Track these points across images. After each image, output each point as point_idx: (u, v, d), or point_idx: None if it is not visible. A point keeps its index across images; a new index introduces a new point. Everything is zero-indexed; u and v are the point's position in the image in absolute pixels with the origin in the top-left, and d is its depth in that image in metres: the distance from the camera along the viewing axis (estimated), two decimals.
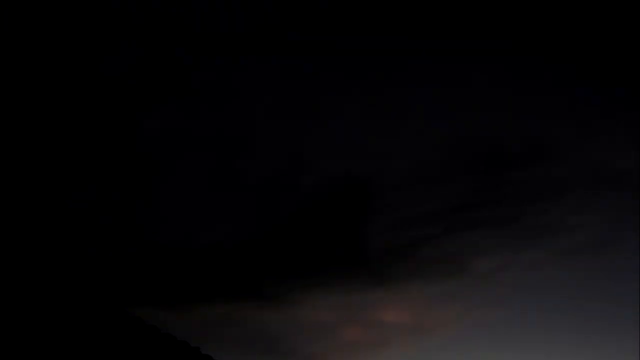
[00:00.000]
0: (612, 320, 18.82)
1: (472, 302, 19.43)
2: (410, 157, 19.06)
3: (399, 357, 18.98)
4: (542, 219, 18.95)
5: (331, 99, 18.63)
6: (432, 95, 18.90)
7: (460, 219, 18.95)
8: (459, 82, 18.73)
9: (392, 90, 18.80)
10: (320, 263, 18.60)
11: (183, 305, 17.30)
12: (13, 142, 15.40)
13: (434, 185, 18.98)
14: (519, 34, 18.03)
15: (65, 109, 16.37)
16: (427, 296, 19.37)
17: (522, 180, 19.00)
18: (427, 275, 18.93)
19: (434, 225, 18.96)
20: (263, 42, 17.68)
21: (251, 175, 18.59)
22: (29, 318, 9.70)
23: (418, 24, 17.88)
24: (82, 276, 10.89)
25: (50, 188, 15.74)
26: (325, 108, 18.66)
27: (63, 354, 9.70)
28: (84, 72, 16.53)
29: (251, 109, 18.31)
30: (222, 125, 18.19)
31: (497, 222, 18.82)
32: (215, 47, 17.56)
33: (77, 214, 16.22)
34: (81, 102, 16.54)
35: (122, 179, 17.06)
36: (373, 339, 19.26)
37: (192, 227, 18.11)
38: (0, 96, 15.37)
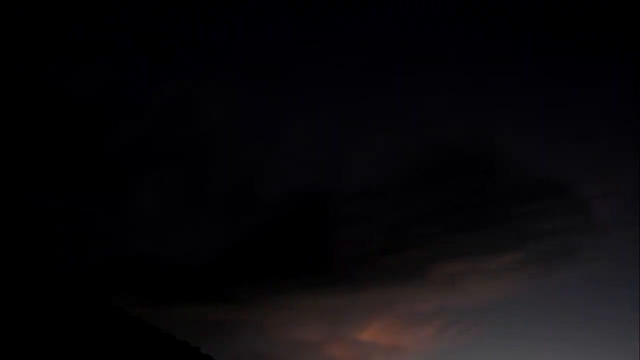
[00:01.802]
0: (610, 325, 18.74)
1: (454, 314, 19.34)
2: (380, 166, 19.05)
3: None
4: (523, 224, 18.91)
5: (303, 105, 18.67)
6: (398, 103, 18.93)
7: (441, 225, 18.91)
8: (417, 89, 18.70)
9: (371, 98, 18.85)
10: (292, 273, 18.54)
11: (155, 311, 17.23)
12: None
13: (406, 194, 18.95)
14: (517, 36, 18.12)
15: (37, 120, 16.41)
16: (406, 308, 19.26)
17: (507, 184, 18.99)
18: (403, 285, 18.81)
19: (408, 234, 18.92)
20: (227, 55, 17.77)
21: (223, 187, 18.60)
22: (29, 319, 9.68)
23: (402, 27, 17.93)
24: (80, 278, 10.89)
25: (29, 196, 15.77)
26: (304, 113, 18.69)
27: (64, 355, 9.69)
28: (58, 85, 16.61)
29: (219, 121, 18.36)
30: (188, 139, 18.26)
31: (474, 228, 18.76)
32: (180, 62, 17.69)
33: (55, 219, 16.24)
34: (54, 115, 16.59)
35: (93, 190, 17.09)
36: (350, 355, 19.17)
37: (162, 239, 18.11)
38: None
